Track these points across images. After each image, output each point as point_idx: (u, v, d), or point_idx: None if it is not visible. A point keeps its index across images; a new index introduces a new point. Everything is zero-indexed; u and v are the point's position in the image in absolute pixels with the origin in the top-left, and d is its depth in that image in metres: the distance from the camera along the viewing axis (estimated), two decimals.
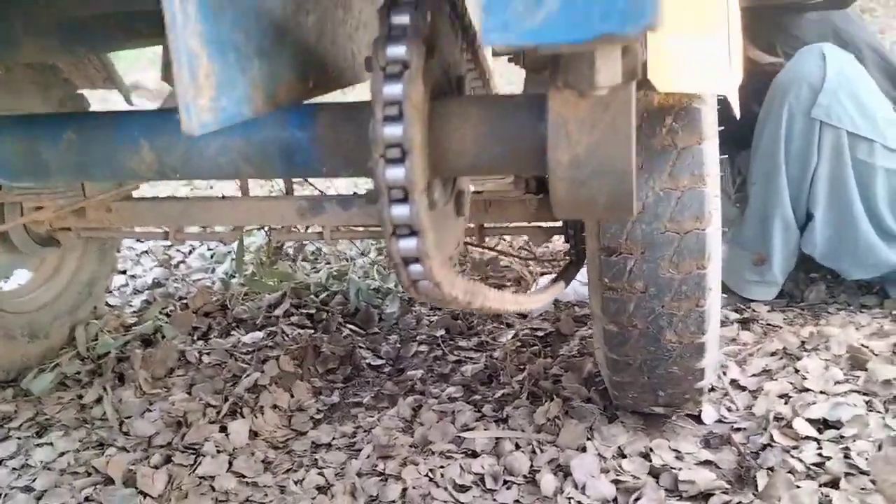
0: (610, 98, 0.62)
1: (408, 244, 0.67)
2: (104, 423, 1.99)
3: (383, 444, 1.78)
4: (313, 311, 2.60)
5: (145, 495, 1.66)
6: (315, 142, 0.83)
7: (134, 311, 2.66)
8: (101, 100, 2.97)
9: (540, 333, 2.32)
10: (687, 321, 1.48)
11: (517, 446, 1.71)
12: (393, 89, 0.64)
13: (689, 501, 1.48)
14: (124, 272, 2.97)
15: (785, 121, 2.17)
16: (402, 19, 0.64)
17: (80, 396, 2.13)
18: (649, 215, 1.40)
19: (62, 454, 1.87)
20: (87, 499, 1.68)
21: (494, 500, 1.56)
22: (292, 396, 2.04)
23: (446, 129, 0.73)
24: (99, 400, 2.10)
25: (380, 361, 2.26)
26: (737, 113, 1.28)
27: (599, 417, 1.77)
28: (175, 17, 0.51)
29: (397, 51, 0.64)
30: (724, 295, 2.31)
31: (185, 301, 2.69)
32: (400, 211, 0.67)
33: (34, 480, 1.76)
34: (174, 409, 2.00)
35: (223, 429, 1.90)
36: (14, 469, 1.84)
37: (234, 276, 2.83)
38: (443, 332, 2.40)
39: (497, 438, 1.74)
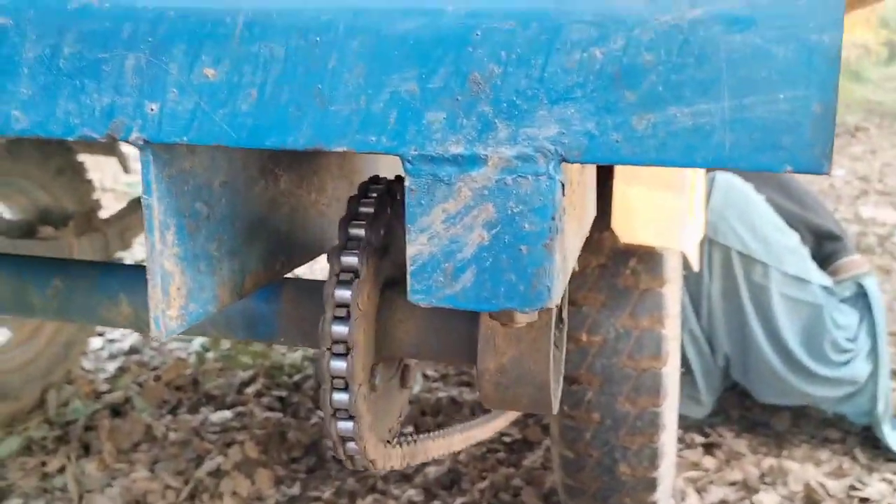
0: (533, 321, 0.71)
1: (345, 426, 0.75)
2: (64, 494, 2.00)
3: None
4: (285, 393, 2.62)
5: None
6: (278, 315, 0.91)
7: (106, 378, 2.68)
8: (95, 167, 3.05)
9: (507, 439, 2.34)
10: (640, 455, 1.51)
11: None
12: (343, 294, 0.72)
13: None
14: (102, 335, 2.99)
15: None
16: (357, 232, 0.73)
17: (44, 464, 2.13)
18: (609, 350, 1.45)
19: None
20: None
21: None
22: (253, 484, 2.05)
23: (392, 320, 0.81)
24: (62, 469, 2.10)
25: None
26: (695, 266, 1.35)
27: None
28: (154, 246, 0.57)
29: (350, 260, 0.73)
30: None
31: (157, 372, 2.71)
32: (340, 397, 0.75)
33: None
34: (135, 487, 2.00)
35: None
36: None
37: (210, 351, 2.85)
38: (411, 428, 2.42)
39: None
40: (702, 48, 0.47)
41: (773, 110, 0.46)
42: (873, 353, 2.26)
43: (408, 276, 0.57)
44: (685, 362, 2.35)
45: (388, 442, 0.86)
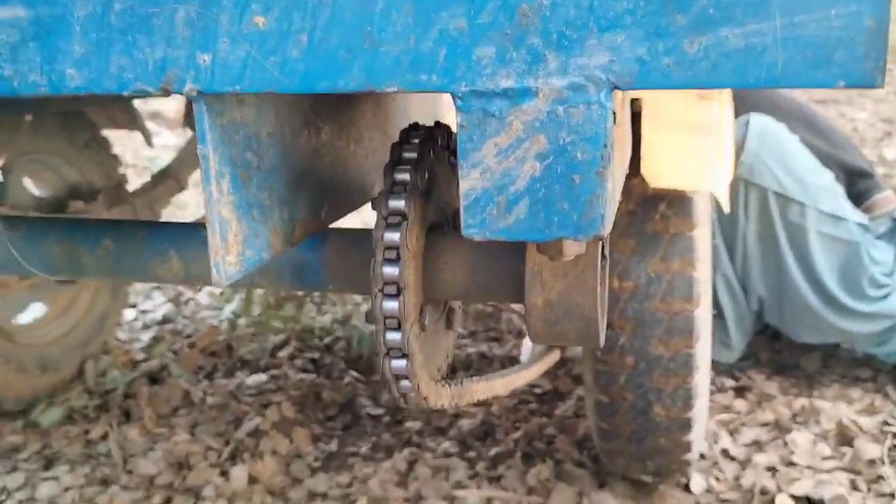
0: (580, 255, 0.72)
1: (398, 364, 0.77)
2: (108, 460, 2.05)
3: (377, 498, 1.83)
4: (317, 355, 2.66)
5: None
6: (324, 264, 0.93)
7: (142, 347, 2.73)
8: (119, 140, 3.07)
9: (538, 391, 2.37)
10: (674, 397, 1.53)
11: None
12: (392, 236, 0.74)
13: None
14: (135, 306, 3.04)
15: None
16: (403, 176, 0.74)
17: (87, 431, 2.19)
18: (641, 295, 1.46)
19: (67, 489, 1.93)
20: None
21: None
22: (291, 442, 2.10)
23: (439, 263, 0.83)
24: (105, 436, 2.16)
25: (379, 411, 2.31)
26: (726, 208, 1.35)
27: (590, 482, 1.82)
28: (211, 195, 0.59)
29: (397, 204, 0.75)
30: None
31: (192, 340, 2.75)
32: (393, 336, 0.77)
33: None
34: (177, 450, 2.05)
35: (223, 473, 1.95)
36: (20, 501, 1.89)
37: (241, 317, 2.90)
38: None
39: (488, 498, 1.79)
40: None
41: (825, 27, 0.47)
42: None
43: (461, 212, 0.58)
44: (717, 307, 2.36)
45: (438, 381, 0.88)
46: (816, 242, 2.20)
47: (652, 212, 1.43)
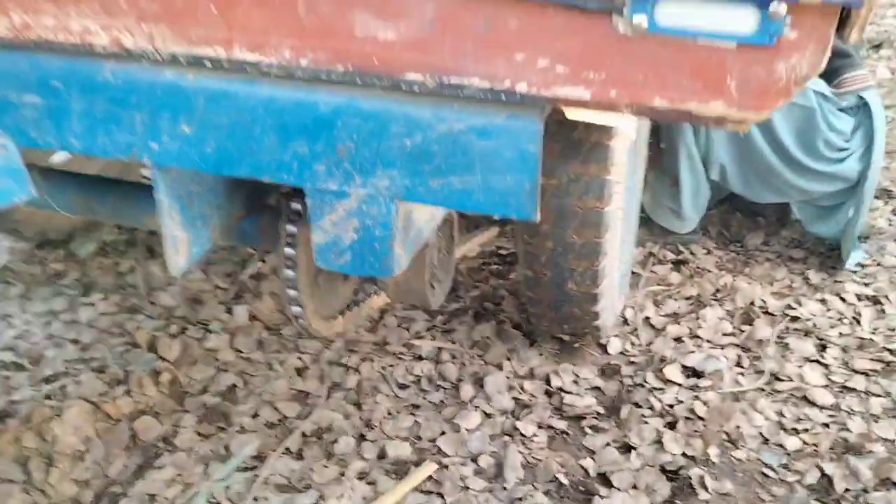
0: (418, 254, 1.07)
1: (296, 309, 1.12)
2: (135, 291, 2.49)
3: (352, 339, 2.25)
4: None
5: (163, 359, 2.17)
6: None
7: None
8: None
9: (503, 252, 2.71)
10: (584, 276, 1.85)
11: (453, 357, 2.17)
12: (292, 228, 1.07)
13: (567, 420, 1.95)
14: None
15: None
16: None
17: (117, 264, 2.62)
18: (562, 192, 1.73)
19: (102, 314, 2.38)
20: (119, 356, 2.19)
21: (425, 399, 2.03)
22: None
23: None
24: (132, 269, 2.58)
25: None
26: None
27: (522, 341, 2.21)
28: (165, 223, 0.90)
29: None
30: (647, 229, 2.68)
31: None
32: (291, 293, 1.11)
33: (80, 335, 2.28)
34: (192, 287, 2.48)
35: (229, 310, 2.38)
36: (65, 322, 2.35)
37: None
38: None
39: (439, 348, 2.20)
40: (464, 146, 0.76)
41: (503, 182, 0.76)
42: (867, 154, 2.49)
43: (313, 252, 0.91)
44: (675, 180, 2.61)
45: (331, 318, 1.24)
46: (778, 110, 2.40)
47: (577, 123, 1.66)
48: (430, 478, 1.76)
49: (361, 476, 1.78)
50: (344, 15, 0.74)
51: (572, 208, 1.74)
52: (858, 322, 2.31)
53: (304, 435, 1.90)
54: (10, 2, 0.81)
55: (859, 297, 2.42)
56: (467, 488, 1.74)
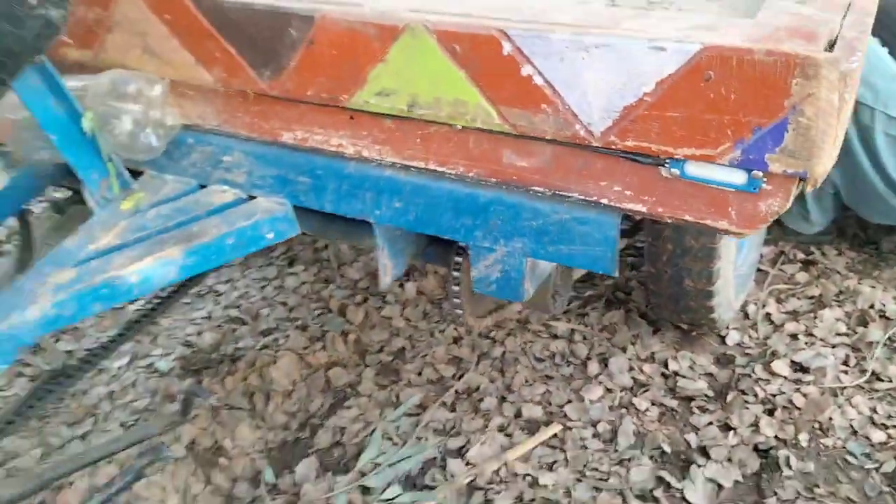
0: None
1: (455, 301, 1.54)
2: (329, 264, 3.04)
3: (503, 317, 2.68)
4: None
5: (350, 323, 2.70)
6: None
7: None
8: None
9: (639, 244, 3.02)
10: (700, 275, 2.15)
11: (584, 338, 2.54)
12: None
13: (678, 400, 2.28)
14: None
15: None
16: None
17: (315, 242, 3.19)
18: None
19: (303, 283, 2.96)
20: (317, 317, 2.75)
21: (557, 371, 2.43)
22: None
23: None
24: (327, 247, 3.14)
25: None
26: None
27: (646, 329, 2.54)
28: (379, 253, 1.36)
29: None
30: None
31: None
32: (454, 288, 1.53)
33: (287, 298, 2.87)
34: (373, 264, 3.00)
35: (401, 285, 2.88)
36: (275, 287, 2.95)
37: None
38: None
39: (572, 329, 2.58)
40: (570, 228, 1.15)
41: (594, 252, 1.14)
42: None
43: (471, 280, 1.32)
44: None
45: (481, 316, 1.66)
46: (883, 142, 2.54)
47: None
48: (555, 436, 2.16)
49: (501, 429, 2.21)
50: (496, 150, 1.16)
51: None
52: None
53: (456, 392, 2.36)
54: (296, 124, 1.29)
55: None
56: (585, 447, 2.13)
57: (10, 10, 0.93)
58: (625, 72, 0.98)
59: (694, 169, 1.02)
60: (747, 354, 2.44)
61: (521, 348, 2.53)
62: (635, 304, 2.67)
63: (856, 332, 2.47)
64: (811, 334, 2.49)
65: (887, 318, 2.51)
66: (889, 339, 2.43)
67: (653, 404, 2.26)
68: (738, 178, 0.99)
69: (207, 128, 1.39)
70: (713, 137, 0.98)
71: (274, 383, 2.40)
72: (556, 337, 2.57)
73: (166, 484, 2.03)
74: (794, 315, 2.59)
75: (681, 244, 2.11)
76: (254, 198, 1.42)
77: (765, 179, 0.98)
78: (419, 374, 2.47)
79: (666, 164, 1.04)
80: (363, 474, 2.08)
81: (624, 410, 2.24)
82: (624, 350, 2.47)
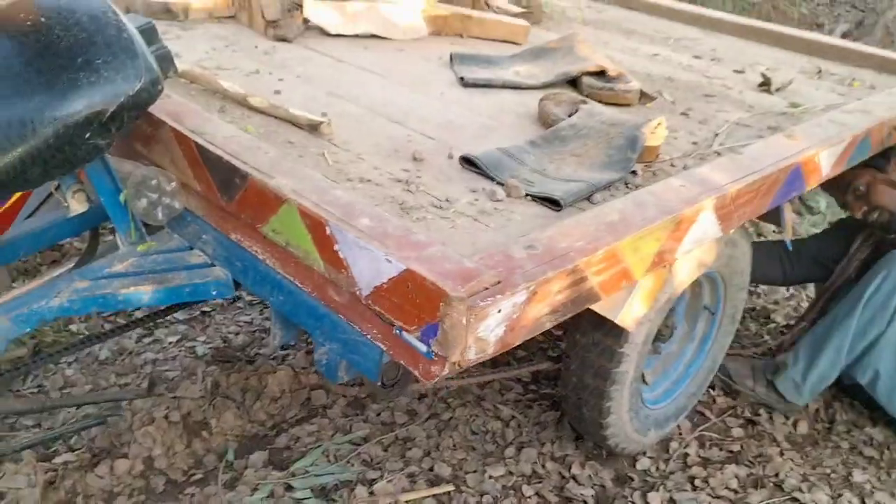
0: None
1: None
2: None
3: None
4: None
5: None
6: None
7: None
8: None
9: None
10: (595, 393, 2.61)
11: (518, 425, 3.03)
12: None
13: (558, 498, 2.72)
14: None
15: (879, 280, 2.86)
16: None
17: None
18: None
19: None
20: None
21: (483, 447, 2.94)
22: None
23: None
24: None
25: None
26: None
27: (569, 434, 2.99)
28: None
29: None
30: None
31: None
32: None
33: None
34: None
35: None
36: None
37: None
38: None
39: (513, 416, 3.07)
40: None
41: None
42: None
43: None
44: (811, 358, 3.03)
45: None
46: None
47: None
48: (447, 493, 2.68)
49: (410, 475, 2.76)
50: (326, 284, 1.76)
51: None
52: None
53: (396, 437, 2.92)
54: (236, 231, 1.97)
55: None
56: None
57: (71, 141, 1.65)
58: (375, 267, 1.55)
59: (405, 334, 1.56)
60: (645, 482, 2.84)
61: (465, 418, 3.06)
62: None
63: (742, 492, 2.80)
64: (706, 482, 2.85)
65: (779, 489, 2.82)
66: None
67: (536, 494, 2.72)
68: (422, 346, 1.52)
69: (197, 214, 2.09)
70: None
71: (267, 388, 3.08)
72: (498, 418, 3.07)
73: (157, 438, 2.75)
74: (705, 462, 2.95)
75: (581, 356, 2.56)
76: (213, 265, 2.09)
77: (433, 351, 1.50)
78: (378, 415, 3.06)
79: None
80: (294, 475, 2.70)
81: (512, 492, 2.73)
82: (542, 445, 2.94)
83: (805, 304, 4.04)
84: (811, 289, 4.23)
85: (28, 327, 1.88)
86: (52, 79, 1.67)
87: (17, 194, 1.87)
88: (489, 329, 1.48)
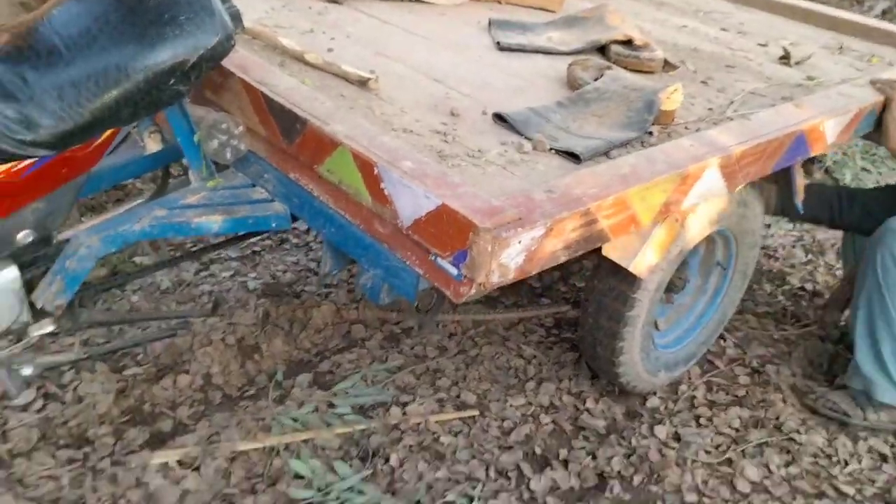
0: None
1: None
2: None
3: None
4: None
5: None
6: None
7: None
8: None
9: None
10: (609, 332, 2.87)
11: (539, 364, 3.31)
12: None
13: (572, 426, 3.01)
14: None
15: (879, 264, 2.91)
16: None
17: None
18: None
19: None
20: None
21: (505, 380, 3.23)
22: None
23: None
24: None
25: None
26: None
27: (586, 373, 3.26)
28: None
29: None
30: None
31: None
32: None
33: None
34: None
35: None
36: None
37: None
38: None
39: (535, 355, 3.35)
40: None
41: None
42: None
43: None
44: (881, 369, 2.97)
45: None
46: None
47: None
48: (472, 417, 2.98)
49: (439, 400, 3.06)
50: (371, 217, 2.04)
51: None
52: None
53: (427, 368, 3.23)
54: (295, 170, 2.25)
55: None
56: (486, 431, 2.93)
57: (158, 86, 1.94)
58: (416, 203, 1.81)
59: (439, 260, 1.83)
60: (653, 417, 3.11)
61: (490, 355, 3.35)
62: None
63: (743, 430, 3.05)
64: (710, 420, 3.11)
65: (778, 430, 3.06)
66: (765, 443, 3.00)
67: (552, 422, 3.01)
68: (453, 270, 1.79)
69: (260, 155, 2.37)
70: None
71: (312, 320, 3.40)
72: (521, 357, 3.36)
73: (215, 357, 3.09)
74: (711, 404, 3.20)
75: (598, 300, 2.81)
76: (273, 201, 2.38)
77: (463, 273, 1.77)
78: (412, 348, 3.36)
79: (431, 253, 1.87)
80: (335, 395, 3.03)
81: (530, 419, 3.02)
82: (560, 381, 3.22)
83: (822, 271, 4.23)
84: (830, 255, 4.41)
85: (114, 247, 2.19)
86: (143, 32, 1.94)
87: (109, 131, 2.15)
88: (510, 257, 1.75)
